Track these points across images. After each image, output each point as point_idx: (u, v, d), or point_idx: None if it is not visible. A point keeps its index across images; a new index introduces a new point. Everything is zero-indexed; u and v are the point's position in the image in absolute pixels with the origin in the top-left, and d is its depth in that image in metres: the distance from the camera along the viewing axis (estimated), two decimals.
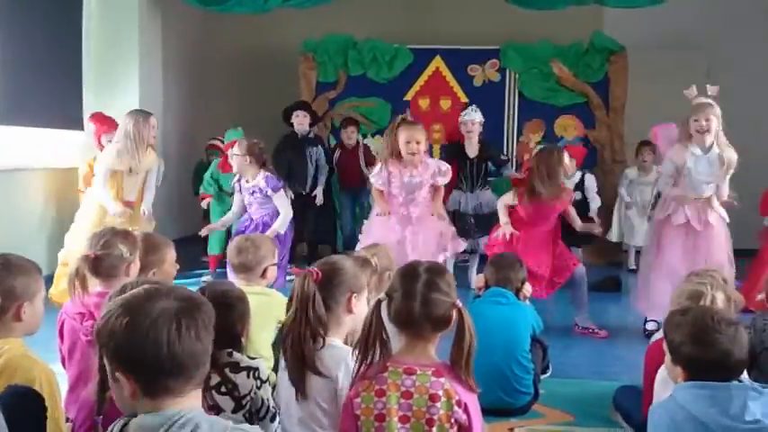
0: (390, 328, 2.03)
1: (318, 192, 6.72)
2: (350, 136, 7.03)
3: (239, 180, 5.21)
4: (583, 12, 7.35)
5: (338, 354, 2.21)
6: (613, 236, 7.20)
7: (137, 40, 6.87)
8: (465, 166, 6.05)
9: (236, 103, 8.43)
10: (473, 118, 6.04)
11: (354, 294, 2.30)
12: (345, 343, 2.30)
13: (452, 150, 6.24)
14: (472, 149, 6.08)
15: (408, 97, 7.74)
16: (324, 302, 2.22)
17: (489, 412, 3.28)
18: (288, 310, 2.27)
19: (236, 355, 2.39)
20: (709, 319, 2.08)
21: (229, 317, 2.39)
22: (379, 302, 2.01)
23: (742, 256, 5.52)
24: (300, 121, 6.69)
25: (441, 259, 4.64)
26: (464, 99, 7.63)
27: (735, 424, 1.93)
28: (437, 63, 7.76)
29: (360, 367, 2.00)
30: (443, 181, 4.75)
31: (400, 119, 4.74)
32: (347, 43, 7.74)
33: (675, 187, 4.57)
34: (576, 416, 3.33)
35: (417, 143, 4.58)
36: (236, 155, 5.12)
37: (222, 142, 6.63)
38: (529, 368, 3.38)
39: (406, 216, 4.65)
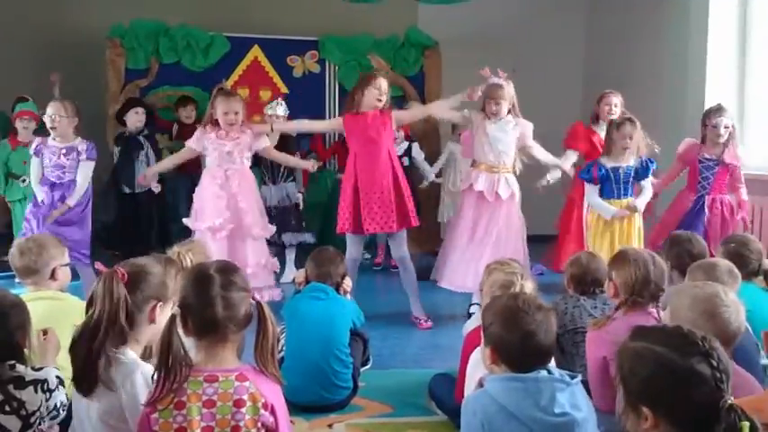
0: (187, 339, 1.90)
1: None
2: (189, 114, 6.84)
3: (41, 143, 4.86)
4: (399, 6, 7.49)
5: (125, 368, 2.02)
6: (440, 215, 7.32)
7: None
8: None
9: (36, 91, 7.70)
10: (277, 112, 6.09)
11: (159, 303, 2.14)
12: (144, 355, 2.13)
13: None
14: (273, 140, 6.02)
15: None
16: None
17: (308, 409, 3.25)
18: (87, 310, 2.05)
19: (20, 368, 2.18)
20: (520, 302, 2.14)
21: (4, 327, 2.17)
22: (174, 317, 1.87)
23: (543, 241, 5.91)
24: (139, 119, 6.43)
25: (263, 232, 4.93)
26: (285, 90, 7.51)
27: (544, 416, 1.97)
28: (255, 52, 7.57)
29: (163, 388, 1.82)
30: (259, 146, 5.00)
31: (218, 89, 4.90)
32: (158, 29, 7.32)
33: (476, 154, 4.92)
34: (394, 406, 3.37)
35: (235, 114, 4.76)
36: (62, 117, 4.76)
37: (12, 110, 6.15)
38: (347, 362, 3.37)
39: (225, 183, 4.79)
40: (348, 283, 3.74)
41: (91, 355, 1.98)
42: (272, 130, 5.26)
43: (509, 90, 4.83)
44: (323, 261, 3.65)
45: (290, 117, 6.12)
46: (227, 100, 4.79)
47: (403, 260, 4.83)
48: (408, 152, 6.76)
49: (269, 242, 5.49)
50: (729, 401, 1.44)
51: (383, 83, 4.71)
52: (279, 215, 5.95)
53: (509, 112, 4.85)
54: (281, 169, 6.11)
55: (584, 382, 2.89)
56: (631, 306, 2.79)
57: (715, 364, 1.48)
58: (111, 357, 2.02)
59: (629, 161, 4.86)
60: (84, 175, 4.85)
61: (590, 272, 3.39)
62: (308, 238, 6.18)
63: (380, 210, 4.65)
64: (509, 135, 4.85)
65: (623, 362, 1.60)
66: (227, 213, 4.76)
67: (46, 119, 4.88)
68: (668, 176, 5.32)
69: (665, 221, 5.15)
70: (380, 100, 4.67)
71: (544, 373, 2.06)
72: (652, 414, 1.51)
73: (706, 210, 5.02)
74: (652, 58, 7.01)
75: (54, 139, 4.83)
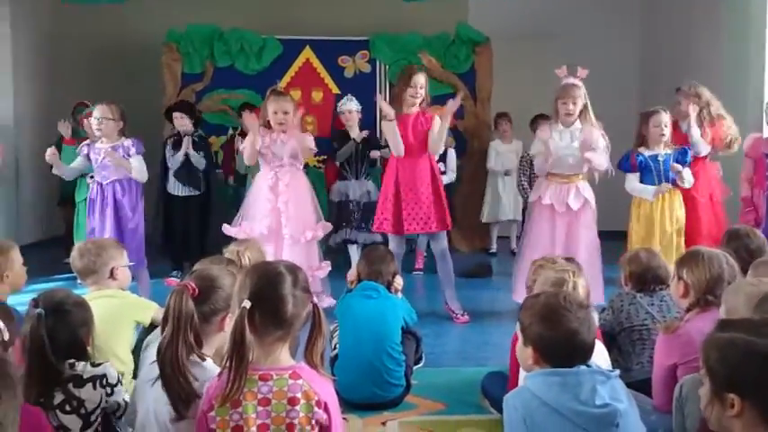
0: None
1: None
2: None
3: (89, 144, 4.99)
4: (448, 3, 7.46)
5: (205, 374, 2.02)
6: (484, 215, 7.37)
7: None
8: (351, 151, 6.13)
9: (97, 96, 7.94)
10: (350, 108, 6.17)
11: (229, 315, 2.10)
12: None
13: (338, 135, 6.34)
14: (356, 135, 6.20)
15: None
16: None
17: (362, 406, 3.28)
18: (162, 328, 2.03)
19: (79, 366, 2.23)
20: (560, 299, 2.11)
21: (68, 325, 2.25)
22: (245, 311, 1.86)
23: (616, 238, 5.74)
24: (181, 123, 6.36)
25: (308, 236, 4.79)
26: (336, 90, 7.58)
27: (586, 408, 1.96)
28: (307, 54, 7.66)
29: (234, 384, 1.82)
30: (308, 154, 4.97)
31: (270, 90, 4.91)
32: (213, 33, 7.48)
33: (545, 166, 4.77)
34: (447, 404, 3.37)
35: (285, 113, 4.73)
36: (110, 119, 4.84)
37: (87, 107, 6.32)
38: (400, 360, 3.39)
39: (275, 184, 4.76)
40: (399, 282, 3.75)
41: (178, 374, 1.96)
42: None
43: (584, 90, 4.69)
44: (374, 260, 3.68)
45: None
46: (278, 99, 4.80)
47: (444, 253, 4.94)
48: (443, 157, 6.53)
49: (349, 241, 5.90)
50: None
51: (419, 78, 4.76)
52: (359, 213, 6.08)
53: (580, 114, 4.69)
54: (364, 165, 6.23)
55: (643, 381, 2.87)
56: (703, 306, 2.73)
57: None
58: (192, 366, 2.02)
59: (667, 149, 4.87)
60: (139, 166, 4.89)
61: (651, 269, 3.33)
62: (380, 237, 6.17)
63: (420, 210, 4.77)
64: (575, 142, 4.67)
65: (710, 352, 1.63)
66: (271, 218, 4.73)
67: (93, 121, 4.96)
68: (746, 175, 5.20)
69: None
70: (415, 96, 4.75)
71: (584, 367, 2.05)
72: (740, 400, 1.55)
73: None
74: (710, 54, 6.80)
75: (101, 141, 4.91)
